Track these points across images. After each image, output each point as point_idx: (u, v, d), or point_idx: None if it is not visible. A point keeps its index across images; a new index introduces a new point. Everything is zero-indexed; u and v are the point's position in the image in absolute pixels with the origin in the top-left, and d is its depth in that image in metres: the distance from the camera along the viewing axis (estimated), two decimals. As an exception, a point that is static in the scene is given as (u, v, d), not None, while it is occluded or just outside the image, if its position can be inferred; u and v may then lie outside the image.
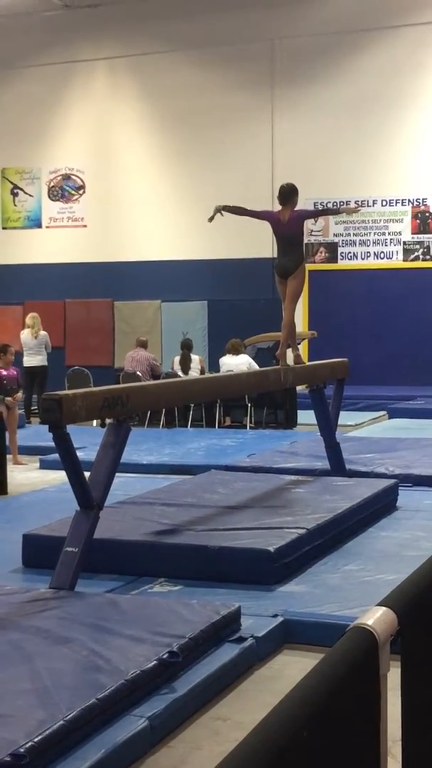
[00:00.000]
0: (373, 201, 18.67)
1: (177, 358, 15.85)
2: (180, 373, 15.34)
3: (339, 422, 9.53)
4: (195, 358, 15.85)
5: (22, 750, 3.46)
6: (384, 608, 2.47)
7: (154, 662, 4.34)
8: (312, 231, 18.53)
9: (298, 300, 8.87)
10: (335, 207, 8.75)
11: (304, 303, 17.55)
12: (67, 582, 5.54)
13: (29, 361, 15.94)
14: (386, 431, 13.36)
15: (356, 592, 5.75)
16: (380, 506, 8.03)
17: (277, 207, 8.66)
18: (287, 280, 8.62)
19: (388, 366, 18.16)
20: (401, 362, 17.96)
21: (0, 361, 11.70)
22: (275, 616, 5.39)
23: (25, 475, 10.93)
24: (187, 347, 15.91)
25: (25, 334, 16.09)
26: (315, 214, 8.61)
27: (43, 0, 19.51)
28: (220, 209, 8.43)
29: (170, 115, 19.78)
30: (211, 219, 8.53)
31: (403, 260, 18.66)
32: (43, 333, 16.01)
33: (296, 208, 8.56)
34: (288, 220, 8.42)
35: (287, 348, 9.00)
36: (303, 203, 8.89)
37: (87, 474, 5.79)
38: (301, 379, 9.62)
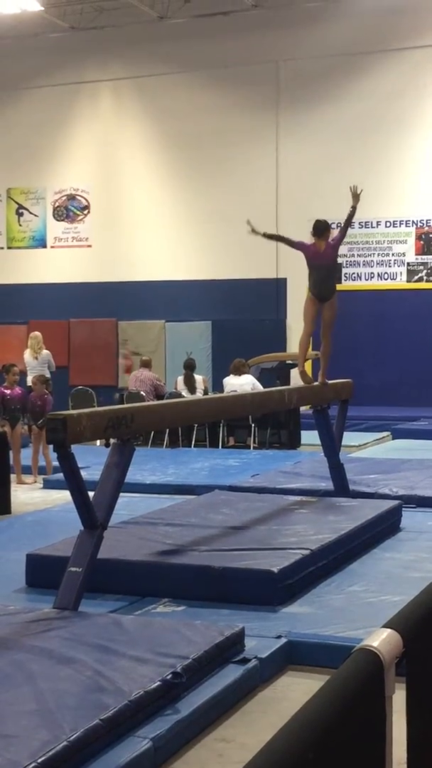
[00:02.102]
0: (377, 222, 18.72)
1: (180, 378, 15.87)
2: (185, 393, 15.34)
3: (343, 443, 9.52)
4: (198, 378, 15.85)
5: (25, 771, 3.44)
6: (389, 630, 2.47)
7: (158, 683, 4.33)
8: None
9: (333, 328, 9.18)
10: (348, 215, 8.94)
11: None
12: (71, 602, 5.53)
13: (30, 381, 15.90)
14: (390, 452, 13.35)
15: (360, 614, 5.73)
16: (384, 527, 8.02)
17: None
18: (321, 304, 9.04)
19: (392, 387, 18.16)
20: (405, 383, 17.96)
21: (5, 380, 11.74)
22: (279, 637, 5.38)
23: (28, 494, 10.93)
24: (189, 367, 15.92)
25: (27, 354, 16.08)
26: (343, 234, 8.94)
27: (50, 22, 19.63)
28: (260, 233, 8.93)
29: (175, 136, 19.87)
30: (252, 231, 8.99)
31: (407, 281, 18.68)
32: (45, 352, 15.96)
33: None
34: (324, 250, 8.87)
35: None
36: (305, 224, 9.17)
37: (91, 494, 5.79)
38: (305, 400, 9.62)
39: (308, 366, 16.50)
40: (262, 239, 9.07)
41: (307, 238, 9.03)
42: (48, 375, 15.89)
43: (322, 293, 9.00)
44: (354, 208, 8.94)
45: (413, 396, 17.61)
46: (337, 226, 9.00)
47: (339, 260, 18.83)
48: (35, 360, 15.84)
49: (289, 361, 16.23)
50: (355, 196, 8.94)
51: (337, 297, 9.18)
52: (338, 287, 19.33)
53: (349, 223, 8.96)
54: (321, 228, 8.94)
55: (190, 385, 15.57)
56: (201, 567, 6.27)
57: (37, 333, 16.25)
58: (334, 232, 9.10)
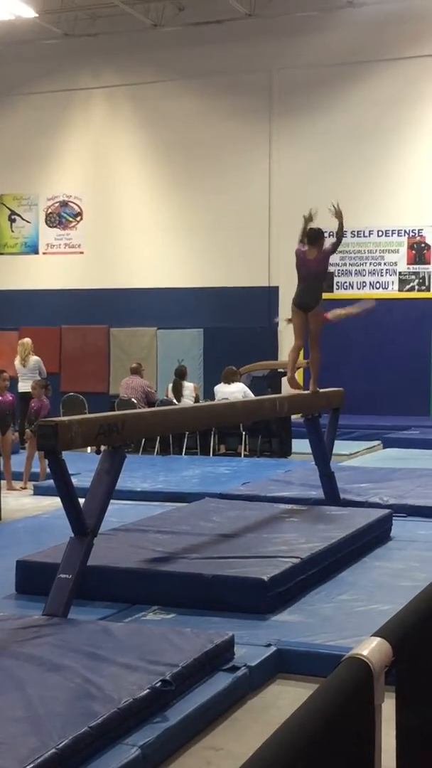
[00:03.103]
0: (369, 231, 18.75)
1: (171, 386, 15.88)
2: (174, 400, 15.35)
3: (333, 451, 9.53)
4: (189, 385, 15.85)
5: (13, 778, 3.43)
6: (379, 639, 2.47)
7: (147, 691, 4.32)
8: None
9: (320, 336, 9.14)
10: (338, 233, 8.92)
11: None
12: (61, 609, 5.53)
13: (22, 387, 15.87)
14: (381, 461, 13.36)
15: (350, 622, 5.74)
16: (374, 536, 8.03)
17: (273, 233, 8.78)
18: (306, 315, 8.96)
19: (383, 396, 18.17)
20: (396, 392, 17.99)
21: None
22: (269, 645, 5.37)
23: (19, 501, 10.91)
24: (179, 375, 15.92)
25: (16, 361, 16.06)
26: (334, 248, 8.96)
27: (44, 28, 19.65)
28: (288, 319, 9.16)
29: (168, 143, 19.89)
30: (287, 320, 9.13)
31: (399, 290, 18.72)
32: (34, 359, 15.92)
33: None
34: (314, 258, 8.84)
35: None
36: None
37: (81, 500, 5.78)
38: (297, 408, 9.63)
39: (299, 374, 16.58)
40: (255, 242, 9.03)
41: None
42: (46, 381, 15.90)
43: (304, 302, 8.92)
44: (341, 223, 8.95)
45: (404, 405, 17.63)
46: (330, 235, 8.98)
47: (330, 269, 18.93)
48: (24, 367, 15.82)
49: (281, 370, 16.23)
50: (338, 213, 8.96)
51: (322, 307, 9.09)
52: (330, 296, 19.48)
53: (340, 237, 8.98)
54: (314, 235, 8.89)
55: (178, 393, 15.57)
56: (191, 575, 6.26)
57: (26, 340, 16.21)
58: (328, 241, 9.07)
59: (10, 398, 11.80)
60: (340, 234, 8.95)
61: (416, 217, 18.49)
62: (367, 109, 18.62)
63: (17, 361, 15.97)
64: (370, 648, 2.41)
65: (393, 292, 18.72)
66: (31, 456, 11.94)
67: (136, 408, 14.31)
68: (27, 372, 15.73)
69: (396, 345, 18.37)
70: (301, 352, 9.50)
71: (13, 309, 20.63)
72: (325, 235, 9.01)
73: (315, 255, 8.82)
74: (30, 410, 12.49)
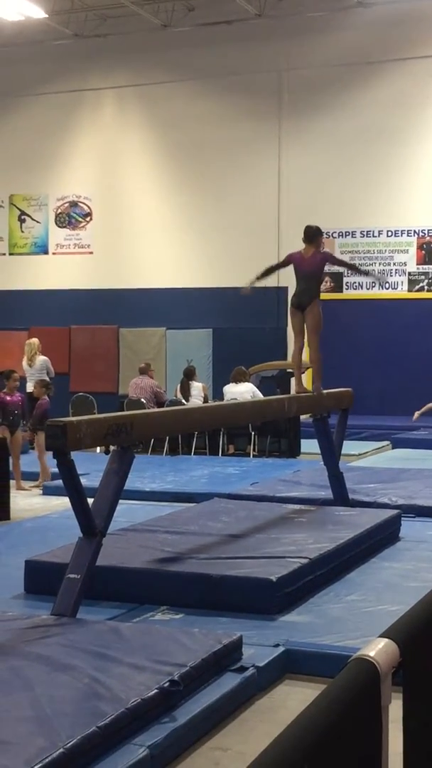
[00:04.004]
0: (379, 231, 18.74)
1: (179, 386, 15.89)
2: (182, 400, 15.36)
3: (342, 452, 9.52)
4: (198, 385, 15.85)
5: (21, 778, 3.44)
6: (386, 640, 2.47)
7: (155, 691, 4.32)
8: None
9: (318, 334, 9.00)
10: (365, 270, 8.91)
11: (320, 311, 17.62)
12: (69, 609, 5.53)
13: (30, 387, 15.91)
14: (390, 461, 13.34)
15: (358, 623, 5.73)
16: (383, 537, 8.02)
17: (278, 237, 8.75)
18: (302, 313, 8.85)
19: (392, 396, 18.15)
20: (405, 392, 17.95)
21: (5, 386, 11.74)
22: (277, 645, 5.37)
23: (28, 500, 10.93)
24: (187, 375, 15.93)
25: (24, 361, 16.06)
26: (343, 264, 8.93)
27: (54, 29, 19.68)
28: (254, 282, 8.99)
29: (177, 144, 19.90)
30: (250, 287, 9.09)
31: (408, 291, 18.70)
32: (42, 359, 15.91)
33: (325, 250, 8.90)
34: (310, 257, 8.74)
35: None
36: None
37: (90, 500, 5.79)
38: (305, 409, 9.62)
39: (308, 375, 16.57)
40: (264, 243, 8.95)
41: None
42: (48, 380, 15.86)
43: (300, 300, 8.85)
44: (368, 276, 8.94)
45: (413, 405, 17.55)
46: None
47: (340, 269, 18.92)
48: (30, 367, 15.82)
49: (290, 370, 16.21)
50: (377, 280, 8.96)
51: (318, 305, 8.90)
52: (340, 296, 19.46)
53: (355, 270, 8.96)
54: (310, 234, 8.84)
55: (185, 393, 15.57)
56: (200, 575, 6.26)
57: (34, 340, 16.21)
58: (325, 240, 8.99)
59: (19, 398, 11.82)
60: (360, 273, 8.94)
61: (426, 218, 18.47)
62: (377, 109, 18.60)
63: (24, 361, 15.97)
64: (377, 649, 2.40)
65: (402, 292, 18.70)
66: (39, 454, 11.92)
67: (145, 408, 14.31)
68: (34, 372, 15.71)
69: (405, 345, 18.35)
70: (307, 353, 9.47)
71: (22, 309, 20.67)
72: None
73: (311, 253, 8.76)
74: (33, 409, 12.51)
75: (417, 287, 18.65)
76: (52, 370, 16.12)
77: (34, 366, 15.81)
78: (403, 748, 2.63)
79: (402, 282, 18.72)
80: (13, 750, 3.66)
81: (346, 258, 18.85)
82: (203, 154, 19.71)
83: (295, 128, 19.17)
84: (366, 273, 8.64)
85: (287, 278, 18.39)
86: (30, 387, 15.69)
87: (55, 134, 20.66)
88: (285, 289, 18.77)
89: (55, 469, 5.81)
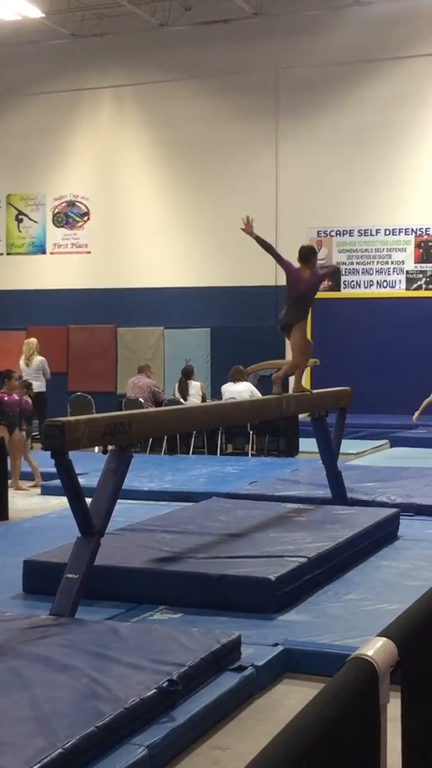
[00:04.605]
0: (376, 230, 18.73)
1: (177, 385, 15.90)
2: (181, 399, 15.36)
3: (341, 450, 9.53)
4: (196, 384, 15.85)
5: (20, 778, 3.44)
6: (384, 639, 2.47)
7: (154, 690, 4.32)
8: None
9: (306, 354, 8.96)
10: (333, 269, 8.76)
11: (307, 331, 17.62)
12: (68, 609, 5.53)
13: None
14: (388, 460, 13.35)
15: (357, 622, 5.73)
16: (381, 535, 8.02)
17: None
18: (291, 332, 8.75)
19: (390, 394, 18.15)
20: (404, 391, 17.95)
21: (4, 386, 11.74)
22: (276, 645, 5.37)
23: (26, 500, 10.93)
24: (185, 374, 15.93)
25: (21, 361, 16.10)
26: (330, 276, 8.83)
27: (51, 29, 19.67)
28: (254, 235, 8.47)
29: (175, 143, 19.89)
30: (245, 228, 8.56)
31: (406, 289, 18.70)
32: (39, 359, 15.94)
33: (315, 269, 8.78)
34: (308, 278, 8.58)
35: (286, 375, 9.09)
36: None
37: (89, 500, 5.79)
38: (304, 407, 9.63)
39: (307, 373, 16.57)
40: (258, 244, 8.80)
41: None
42: (41, 381, 15.87)
43: (287, 320, 8.67)
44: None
45: (412, 404, 17.58)
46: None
47: (338, 266, 18.94)
48: (28, 366, 15.85)
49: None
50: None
51: (305, 325, 8.80)
52: (338, 295, 19.44)
53: (330, 276, 8.83)
54: (306, 254, 8.63)
55: (183, 392, 15.58)
56: (198, 574, 6.27)
57: (32, 339, 16.24)
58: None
59: (17, 398, 11.81)
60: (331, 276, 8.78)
61: (423, 216, 18.47)
62: (375, 108, 18.60)
63: (22, 361, 16.00)
64: (376, 648, 2.41)
65: (400, 291, 18.70)
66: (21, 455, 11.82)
67: (143, 407, 14.31)
68: (31, 372, 15.75)
69: (403, 344, 18.35)
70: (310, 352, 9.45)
71: (20, 309, 20.66)
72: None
73: (308, 275, 8.59)
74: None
75: (415, 286, 18.65)
76: (49, 371, 16.13)
77: (31, 366, 15.83)
78: (402, 747, 2.63)
79: (400, 280, 18.72)
80: (12, 750, 3.66)
81: (343, 257, 18.93)
82: (200, 153, 19.70)
83: (293, 127, 19.16)
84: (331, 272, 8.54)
85: (285, 278, 18.46)
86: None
87: (53, 134, 20.65)
88: (283, 288, 18.75)
89: (52, 469, 5.80)
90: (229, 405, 9.69)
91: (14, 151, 21.00)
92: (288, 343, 9.38)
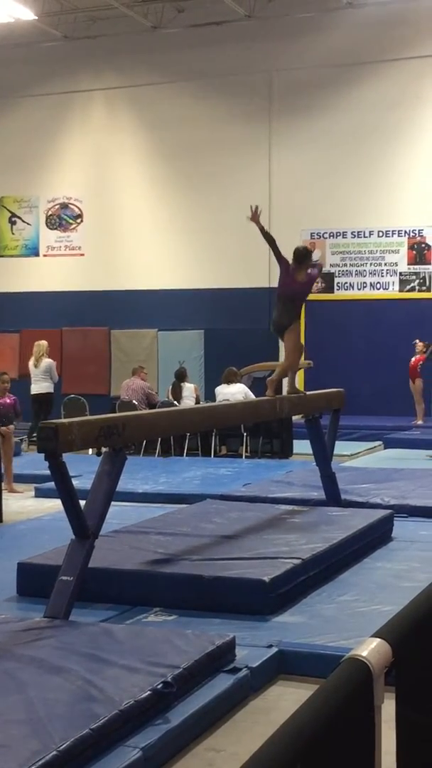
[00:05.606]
0: (370, 232, 18.76)
1: (171, 389, 15.92)
2: (174, 402, 15.36)
3: (335, 452, 9.53)
4: (190, 386, 15.85)
5: (15, 780, 3.44)
6: (378, 640, 2.48)
7: (149, 692, 4.32)
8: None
9: (299, 355, 8.97)
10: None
11: (300, 332, 17.66)
12: (62, 611, 5.53)
13: (34, 388, 16.06)
14: (382, 461, 13.36)
15: (351, 623, 5.73)
16: (375, 537, 8.03)
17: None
18: (282, 335, 8.74)
19: (384, 396, 18.17)
20: (397, 392, 17.97)
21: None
22: (270, 646, 5.37)
23: (20, 503, 10.91)
24: (178, 377, 15.94)
25: (30, 362, 16.26)
26: (319, 272, 8.82)
27: (43, 31, 19.66)
28: (259, 224, 8.51)
29: (168, 145, 19.90)
30: (252, 218, 8.66)
31: (399, 291, 18.72)
32: (46, 361, 16.08)
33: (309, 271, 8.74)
34: (302, 282, 8.56)
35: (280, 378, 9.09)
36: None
37: (83, 502, 5.79)
38: (297, 409, 9.63)
39: (300, 375, 16.59)
40: (255, 244, 8.78)
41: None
42: (48, 382, 15.98)
43: (281, 322, 8.64)
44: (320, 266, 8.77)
45: (405, 405, 17.61)
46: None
47: (331, 270, 18.96)
48: (36, 368, 16.02)
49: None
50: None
51: (298, 326, 8.81)
52: (331, 297, 19.45)
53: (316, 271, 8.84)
54: (301, 255, 8.55)
55: (177, 395, 15.58)
56: (192, 576, 6.27)
57: (42, 342, 16.39)
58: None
59: (9, 401, 11.78)
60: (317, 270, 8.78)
61: (417, 218, 18.50)
62: (367, 110, 18.62)
63: (31, 362, 16.18)
64: (370, 649, 2.41)
65: (394, 292, 18.73)
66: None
67: (136, 410, 14.31)
68: (39, 373, 15.95)
69: (397, 345, 18.35)
70: (302, 355, 9.46)
71: (13, 311, 20.64)
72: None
73: (302, 276, 8.53)
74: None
75: (408, 287, 18.68)
76: (56, 375, 16.19)
77: (39, 367, 15.97)
78: (396, 748, 2.63)
79: (393, 282, 18.75)
80: (6, 753, 3.66)
81: (337, 259, 18.95)
82: (194, 155, 19.70)
83: (286, 129, 19.18)
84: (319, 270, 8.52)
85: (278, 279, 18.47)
86: (34, 389, 15.86)
87: (45, 136, 20.64)
88: (276, 290, 18.82)
89: (45, 471, 5.80)
90: (223, 407, 9.70)
91: (7, 154, 20.99)
92: (281, 345, 9.37)
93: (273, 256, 8.53)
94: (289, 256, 8.58)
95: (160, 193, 20.13)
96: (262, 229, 8.48)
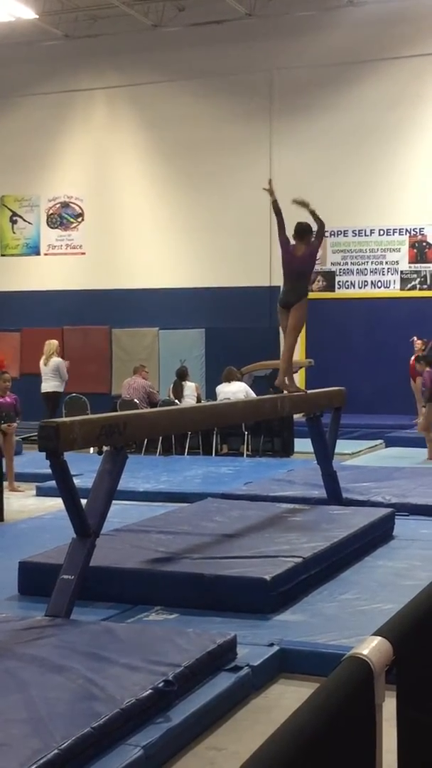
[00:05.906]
0: (371, 230, 18.75)
1: (172, 387, 15.92)
2: (175, 401, 15.36)
3: (336, 451, 9.53)
4: (191, 385, 15.85)
5: (16, 779, 3.44)
6: (379, 638, 2.47)
7: (150, 691, 4.32)
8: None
9: (298, 333, 8.97)
10: (316, 220, 8.74)
11: (305, 312, 17.65)
12: (63, 610, 5.53)
13: (43, 387, 16.08)
14: (383, 460, 13.36)
15: (352, 622, 5.74)
16: (376, 535, 8.03)
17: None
18: (289, 311, 8.71)
19: (385, 395, 18.16)
20: (398, 391, 17.95)
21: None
22: (271, 645, 5.37)
23: (21, 502, 10.92)
24: (179, 376, 15.94)
25: (41, 360, 16.30)
26: (319, 240, 8.80)
27: (44, 30, 19.66)
28: (274, 198, 8.72)
29: (169, 144, 19.89)
30: (268, 188, 8.94)
31: (401, 289, 18.71)
32: (56, 360, 16.09)
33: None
34: (302, 255, 8.62)
35: (285, 376, 9.05)
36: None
37: (84, 501, 5.79)
38: (298, 408, 9.63)
39: (301, 373, 16.59)
40: (256, 242, 8.81)
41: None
42: (57, 381, 16.01)
43: (288, 299, 8.73)
44: (312, 211, 8.76)
45: (406, 404, 17.60)
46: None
47: (332, 268, 18.95)
48: (46, 366, 16.06)
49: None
50: (302, 203, 8.78)
51: (305, 304, 8.80)
52: (332, 295, 19.45)
53: (321, 223, 8.80)
54: (302, 231, 8.68)
55: (178, 394, 15.58)
56: (193, 575, 6.27)
57: (53, 341, 16.44)
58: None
59: (9, 400, 11.78)
60: (319, 220, 8.76)
61: (418, 216, 18.49)
62: (368, 109, 18.61)
63: (42, 360, 16.22)
64: (371, 647, 2.41)
65: (395, 291, 18.72)
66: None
67: (138, 408, 14.31)
68: (48, 372, 16.00)
69: (398, 344, 18.34)
70: (303, 354, 9.45)
71: (14, 310, 20.65)
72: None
73: (302, 251, 8.64)
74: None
75: (409, 286, 18.67)
76: (65, 373, 16.17)
77: (48, 366, 16.00)
78: (397, 746, 2.63)
79: (394, 281, 18.74)
80: (7, 751, 3.66)
81: (338, 257, 18.94)
82: (194, 154, 19.70)
83: (286, 128, 19.17)
84: (314, 214, 8.48)
85: (279, 278, 18.41)
86: (44, 387, 15.89)
87: (46, 135, 20.64)
88: (277, 289, 18.75)
89: (47, 470, 5.79)
90: (224, 405, 9.69)
91: (8, 153, 20.99)
92: (281, 344, 9.34)
93: (274, 254, 8.55)
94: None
95: (160, 192, 20.12)
96: (274, 202, 8.63)
